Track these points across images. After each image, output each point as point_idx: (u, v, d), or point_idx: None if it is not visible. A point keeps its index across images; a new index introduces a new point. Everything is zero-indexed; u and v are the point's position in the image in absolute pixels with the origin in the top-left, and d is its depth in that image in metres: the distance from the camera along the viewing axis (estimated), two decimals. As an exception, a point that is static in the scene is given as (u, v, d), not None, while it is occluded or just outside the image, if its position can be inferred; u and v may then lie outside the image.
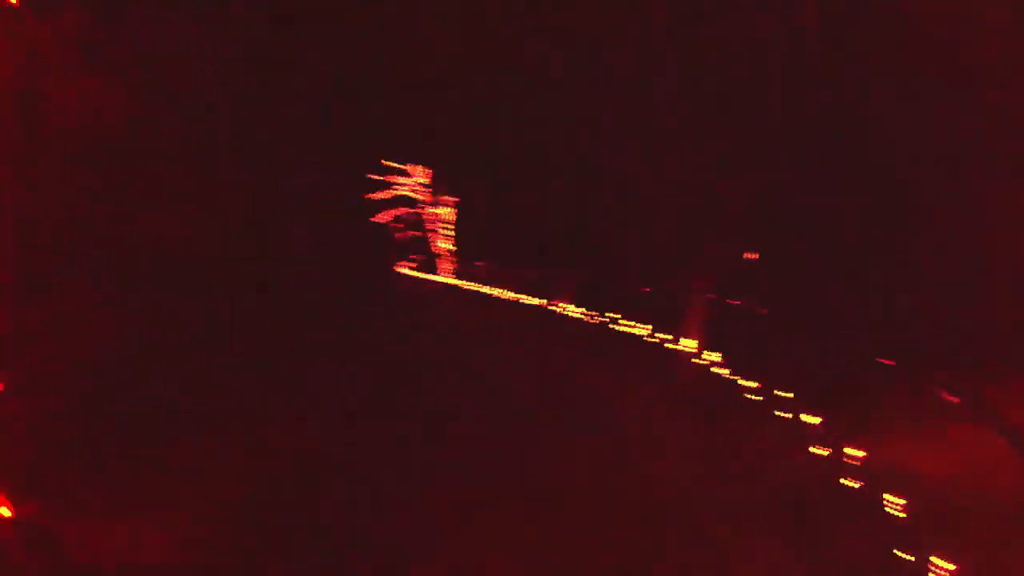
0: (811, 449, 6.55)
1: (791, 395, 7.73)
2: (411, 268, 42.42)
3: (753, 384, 8.58)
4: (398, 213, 37.91)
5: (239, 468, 6.90)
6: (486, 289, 28.01)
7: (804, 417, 7.11)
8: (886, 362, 8.22)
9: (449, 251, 35.29)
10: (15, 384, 7.63)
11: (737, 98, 12.74)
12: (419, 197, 36.60)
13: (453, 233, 35.34)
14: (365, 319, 21.28)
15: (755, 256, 11.66)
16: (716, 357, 10.30)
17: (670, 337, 12.79)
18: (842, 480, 5.77)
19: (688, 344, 11.73)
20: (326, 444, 7.57)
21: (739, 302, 10.89)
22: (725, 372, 9.76)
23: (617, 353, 14.46)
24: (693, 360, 11.23)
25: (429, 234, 36.75)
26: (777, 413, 7.67)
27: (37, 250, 9.29)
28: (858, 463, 5.92)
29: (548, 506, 6.14)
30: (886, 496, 5.30)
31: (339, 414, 8.86)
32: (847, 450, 6.07)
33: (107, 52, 10.60)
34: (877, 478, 5.65)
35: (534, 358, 14.50)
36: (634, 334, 14.30)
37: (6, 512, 5.59)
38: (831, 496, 5.71)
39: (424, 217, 37.00)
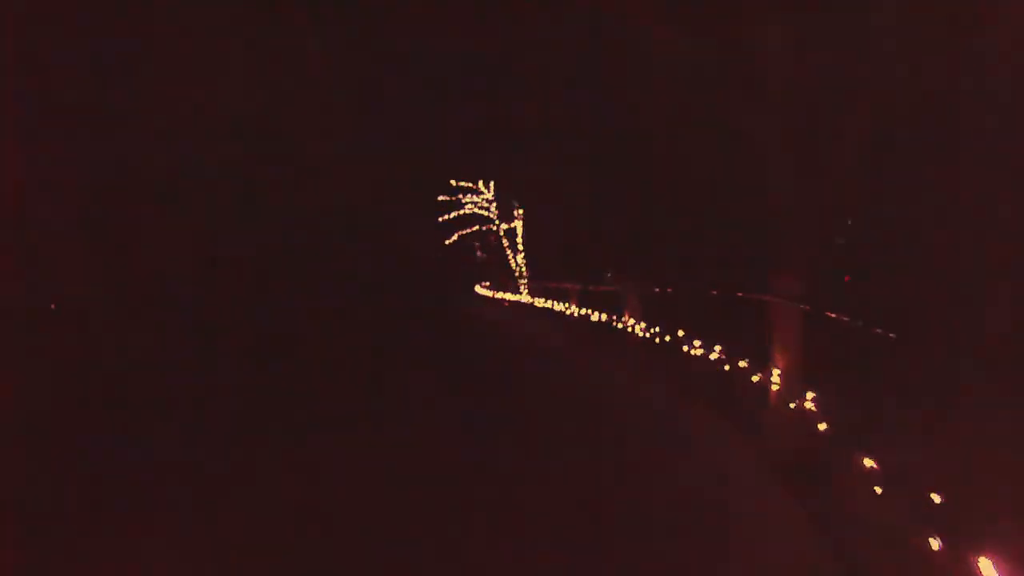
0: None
1: (928, 477, 3.97)
2: (485, 288, 39.45)
3: (868, 459, 4.80)
4: (469, 232, 35.08)
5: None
6: (557, 306, 24.59)
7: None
8: None
9: (521, 268, 32.05)
10: None
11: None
12: (489, 214, 33.65)
13: (523, 249, 32.10)
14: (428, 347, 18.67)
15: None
16: (811, 402, 6.51)
17: (747, 364, 9.02)
18: None
19: (776, 376, 7.92)
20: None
21: (845, 318, 6.96)
22: (826, 428, 5.99)
23: (679, 390, 10.74)
24: (779, 402, 7.47)
25: (502, 251, 33.69)
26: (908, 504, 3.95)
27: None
28: None
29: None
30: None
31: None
32: None
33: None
34: None
35: (577, 397, 11.05)
36: (704, 358, 10.56)
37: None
38: None
39: (496, 234, 34.01)
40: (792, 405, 6.98)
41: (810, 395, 6.56)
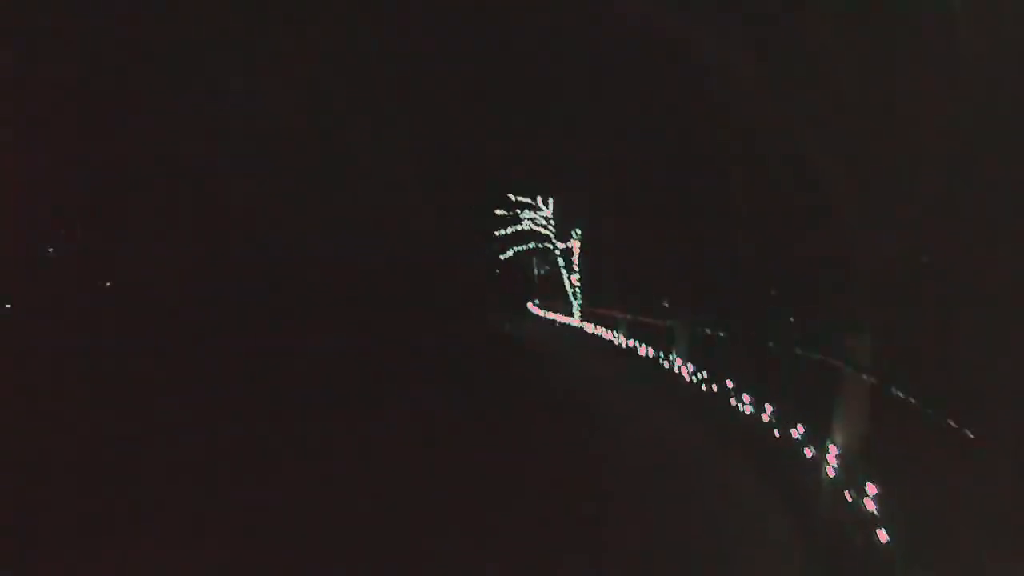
0: None
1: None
2: (538, 306, 38.59)
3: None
4: (524, 248, 34.33)
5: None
6: (606, 334, 23.60)
7: None
8: None
9: (576, 289, 31.12)
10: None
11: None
12: (546, 232, 32.86)
13: (579, 270, 31.15)
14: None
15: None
16: (870, 495, 5.46)
17: (803, 431, 7.94)
18: None
19: (832, 451, 6.86)
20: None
21: (914, 401, 5.85)
22: (886, 538, 4.94)
23: (723, 454, 9.62)
24: (835, 487, 6.42)
25: (557, 271, 32.84)
26: None
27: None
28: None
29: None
30: None
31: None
32: None
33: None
34: None
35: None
36: (754, 417, 9.50)
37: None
38: None
39: (552, 252, 33.18)
40: (849, 496, 5.93)
41: (871, 489, 5.51)
